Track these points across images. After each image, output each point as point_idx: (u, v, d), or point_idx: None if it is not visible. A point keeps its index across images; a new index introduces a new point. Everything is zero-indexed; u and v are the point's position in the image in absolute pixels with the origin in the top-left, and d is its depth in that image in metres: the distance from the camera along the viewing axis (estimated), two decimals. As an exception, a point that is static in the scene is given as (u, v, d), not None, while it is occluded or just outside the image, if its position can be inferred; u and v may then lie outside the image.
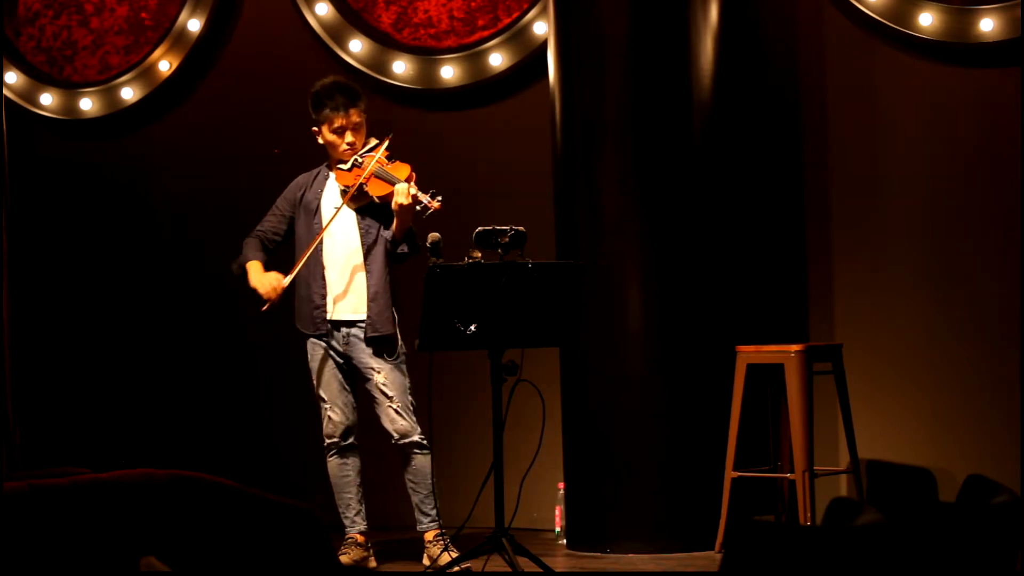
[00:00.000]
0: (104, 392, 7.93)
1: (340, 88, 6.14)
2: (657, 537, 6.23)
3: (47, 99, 8.04)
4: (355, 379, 6.12)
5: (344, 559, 6.00)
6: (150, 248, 7.89)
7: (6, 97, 7.70)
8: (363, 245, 6.04)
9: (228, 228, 7.66)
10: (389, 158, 6.05)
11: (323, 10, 7.50)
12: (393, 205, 5.91)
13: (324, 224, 6.02)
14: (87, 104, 7.99)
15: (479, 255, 5.47)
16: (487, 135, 7.28)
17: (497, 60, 7.24)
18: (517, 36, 7.21)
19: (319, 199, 6.11)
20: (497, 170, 7.20)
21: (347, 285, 6.05)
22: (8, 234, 7.38)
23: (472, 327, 5.42)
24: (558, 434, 6.48)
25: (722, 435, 6.17)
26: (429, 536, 6.04)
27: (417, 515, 6.05)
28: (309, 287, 6.08)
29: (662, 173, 6.29)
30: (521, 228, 5.53)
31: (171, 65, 7.82)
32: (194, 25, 7.77)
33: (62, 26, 8.09)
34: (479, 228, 5.55)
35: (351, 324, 6.04)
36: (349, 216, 6.07)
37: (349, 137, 6.07)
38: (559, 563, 6.05)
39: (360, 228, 6.06)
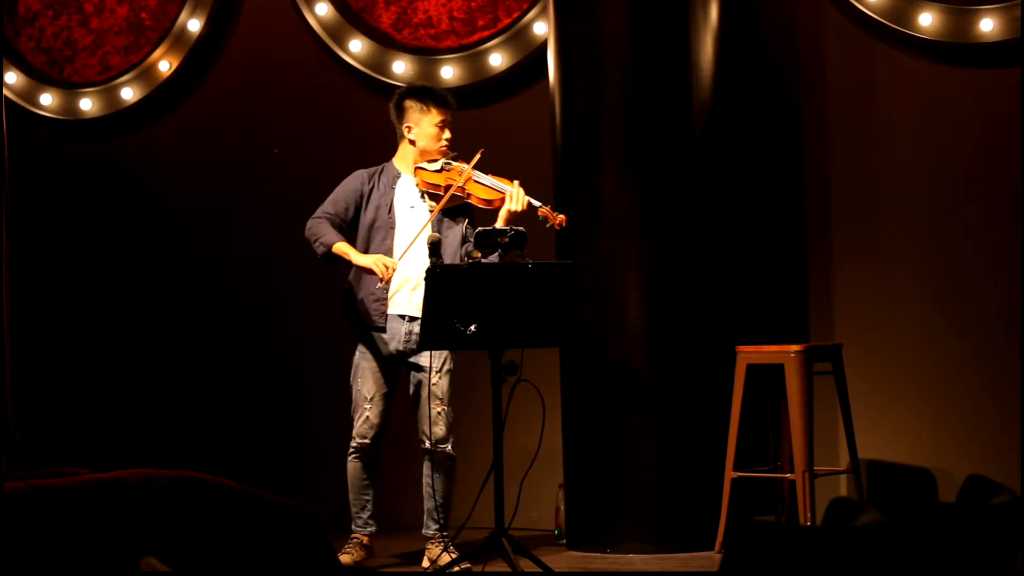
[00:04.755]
0: (104, 392, 7.92)
1: (438, 90, 6.24)
2: (657, 537, 6.23)
3: (47, 99, 8.04)
4: (399, 384, 6.09)
5: (345, 559, 6.00)
6: (150, 248, 7.89)
7: (6, 97, 7.70)
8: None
9: (228, 228, 7.68)
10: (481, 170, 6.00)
11: (323, 10, 7.50)
12: (503, 211, 5.85)
13: (399, 218, 5.99)
14: (87, 104, 7.99)
15: (479, 255, 5.47)
16: (487, 135, 7.28)
17: (497, 60, 7.24)
18: (517, 36, 7.21)
19: (391, 197, 6.05)
20: (497, 170, 7.18)
21: (417, 282, 5.96)
22: (8, 234, 7.38)
23: (472, 327, 5.42)
24: (558, 434, 6.48)
25: (722, 435, 6.17)
26: (434, 540, 6.03)
27: (427, 519, 6.04)
28: (372, 281, 6.01)
29: (662, 173, 6.29)
30: (521, 228, 5.53)
31: (171, 65, 7.82)
32: (194, 25, 7.77)
33: (62, 26, 8.09)
34: (479, 228, 5.55)
35: (415, 320, 5.97)
36: (425, 217, 6.00)
37: (447, 133, 6.08)
38: (559, 563, 6.04)
39: (434, 230, 6.00)
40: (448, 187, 5.90)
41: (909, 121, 6.61)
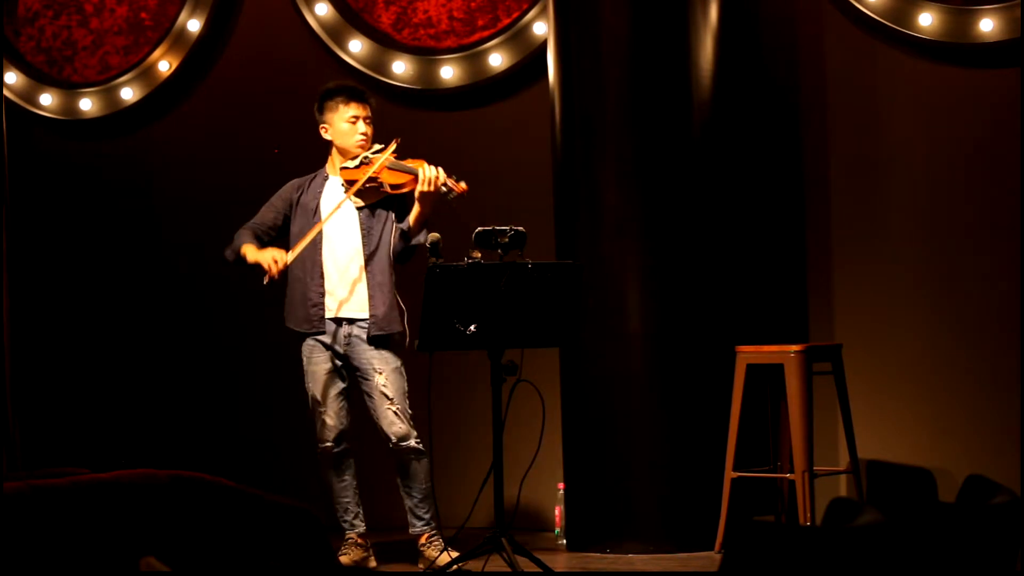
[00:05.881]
0: (104, 392, 7.92)
1: (351, 84, 6.23)
2: (657, 537, 6.23)
3: (47, 99, 8.04)
4: (351, 382, 6.09)
5: (344, 559, 6.00)
6: (150, 248, 7.89)
7: (6, 97, 7.70)
8: (364, 244, 6.03)
9: (228, 228, 7.65)
10: (399, 158, 6.04)
11: (323, 10, 7.50)
12: (416, 194, 5.90)
13: (325, 216, 6.01)
14: (87, 104, 7.99)
15: (479, 255, 5.47)
16: (487, 135, 7.28)
17: (497, 60, 7.24)
18: (517, 36, 7.21)
19: (318, 199, 6.11)
20: (497, 170, 7.19)
21: (350, 284, 6.02)
22: (8, 234, 7.38)
23: (472, 327, 5.42)
24: (558, 434, 6.48)
25: (722, 435, 6.17)
26: (423, 539, 6.03)
27: (410, 518, 6.04)
28: (306, 285, 6.06)
29: (662, 173, 6.29)
30: (521, 228, 5.53)
31: (171, 65, 7.82)
32: (194, 25, 7.77)
33: (62, 26, 8.09)
34: (479, 228, 5.55)
35: (352, 322, 6.03)
36: (351, 215, 6.05)
37: (363, 127, 6.07)
38: (559, 563, 6.04)
39: (362, 227, 6.04)
40: (369, 179, 5.95)
41: (909, 121, 6.61)
